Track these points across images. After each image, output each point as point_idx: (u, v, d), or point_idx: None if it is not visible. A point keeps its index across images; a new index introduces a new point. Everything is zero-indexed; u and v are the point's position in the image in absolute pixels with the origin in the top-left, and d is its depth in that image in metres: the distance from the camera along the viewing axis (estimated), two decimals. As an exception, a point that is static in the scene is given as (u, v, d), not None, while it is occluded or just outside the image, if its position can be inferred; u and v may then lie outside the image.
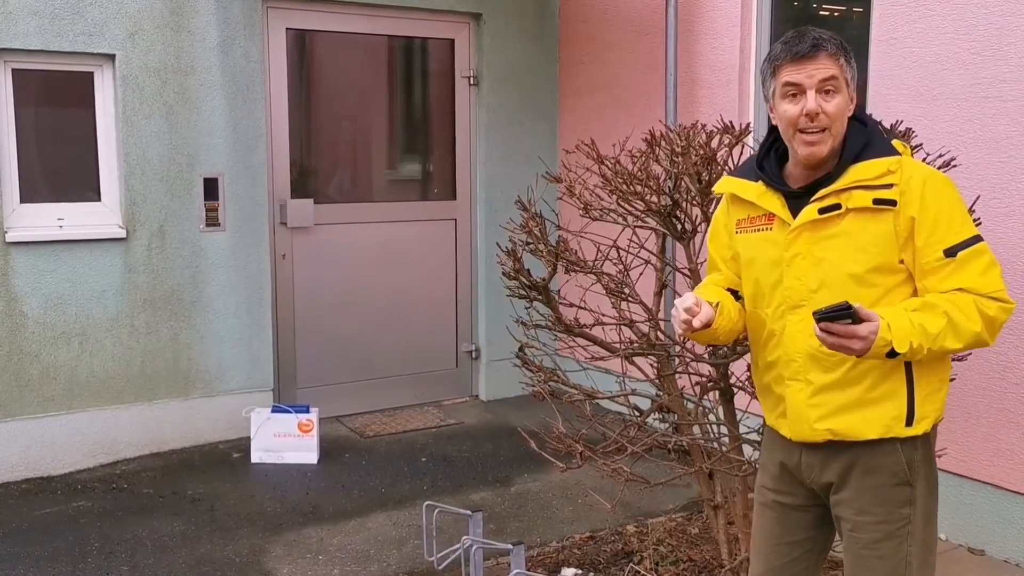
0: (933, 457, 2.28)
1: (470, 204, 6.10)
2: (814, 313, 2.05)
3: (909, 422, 2.18)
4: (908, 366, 2.17)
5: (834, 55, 2.16)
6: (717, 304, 2.28)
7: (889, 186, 2.13)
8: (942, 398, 2.25)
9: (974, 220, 3.22)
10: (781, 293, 2.25)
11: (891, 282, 2.16)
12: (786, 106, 2.17)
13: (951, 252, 2.11)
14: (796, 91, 2.16)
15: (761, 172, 2.29)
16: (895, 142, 2.23)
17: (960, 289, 2.11)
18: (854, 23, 4.55)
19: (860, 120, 2.24)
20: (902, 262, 2.15)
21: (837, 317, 2.03)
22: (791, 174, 2.27)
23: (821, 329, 2.04)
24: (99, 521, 4.29)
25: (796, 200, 2.22)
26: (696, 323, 2.19)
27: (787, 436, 2.31)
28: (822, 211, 2.17)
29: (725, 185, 2.39)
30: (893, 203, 2.12)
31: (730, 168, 3.27)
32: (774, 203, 2.26)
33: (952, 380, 3.36)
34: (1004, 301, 2.13)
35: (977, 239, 2.14)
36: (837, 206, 2.16)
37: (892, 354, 2.06)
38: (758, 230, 2.29)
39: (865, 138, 2.20)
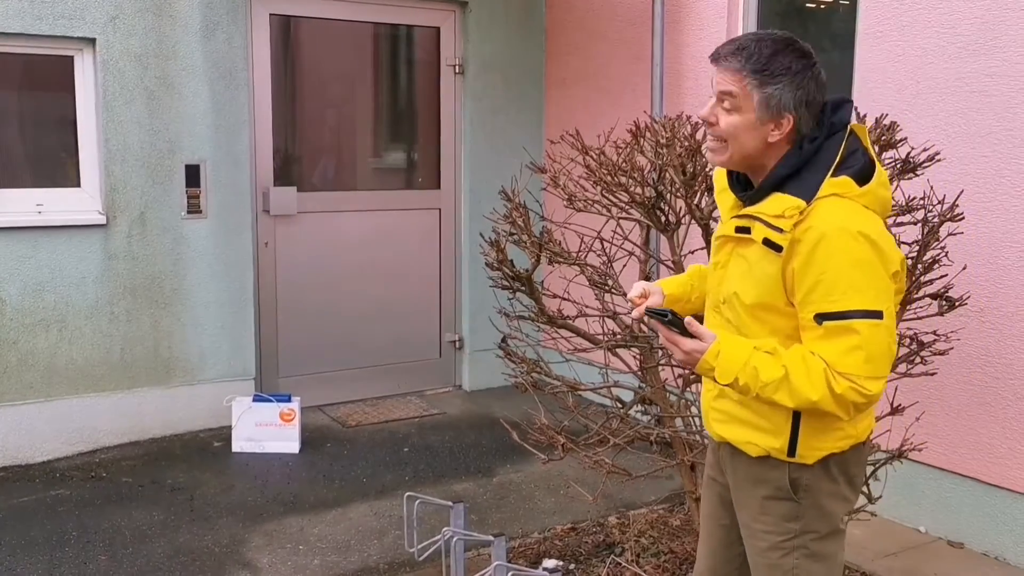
0: (835, 477, 2.14)
1: (455, 193, 6.07)
2: (646, 308, 2.06)
3: (791, 454, 2.10)
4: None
5: (737, 72, 2.00)
6: (668, 295, 2.32)
7: (780, 230, 1.96)
8: (840, 435, 2.11)
9: (957, 215, 3.24)
10: (708, 291, 2.27)
11: (781, 323, 2.05)
12: None
13: (820, 318, 1.96)
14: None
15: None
16: (840, 180, 1.99)
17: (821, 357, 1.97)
18: (841, 15, 4.55)
19: (801, 144, 2.03)
20: (792, 305, 2.02)
21: (660, 319, 2.00)
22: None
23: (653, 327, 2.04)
24: (77, 510, 4.25)
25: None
26: (635, 313, 2.21)
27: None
28: (738, 230, 2.10)
29: (717, 173, 2.33)
30: (779, 249, 1.97)
31: (715, 160, 3.25)
32: (726, 203, 2.21)
33: (933, 375, 3.40)
34: (856, 385, 1.94)
35: (856, 314, 1.93)
36: (747, 230, 2.06)
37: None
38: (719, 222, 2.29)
39: (793, 168, 2.01)
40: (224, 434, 5.14)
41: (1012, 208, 3.70)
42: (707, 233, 3.33)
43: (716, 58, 2.05)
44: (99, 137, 4.91)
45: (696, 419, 3.48)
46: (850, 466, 2.18)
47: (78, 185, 4.96)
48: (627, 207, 3.45)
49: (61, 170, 4.95)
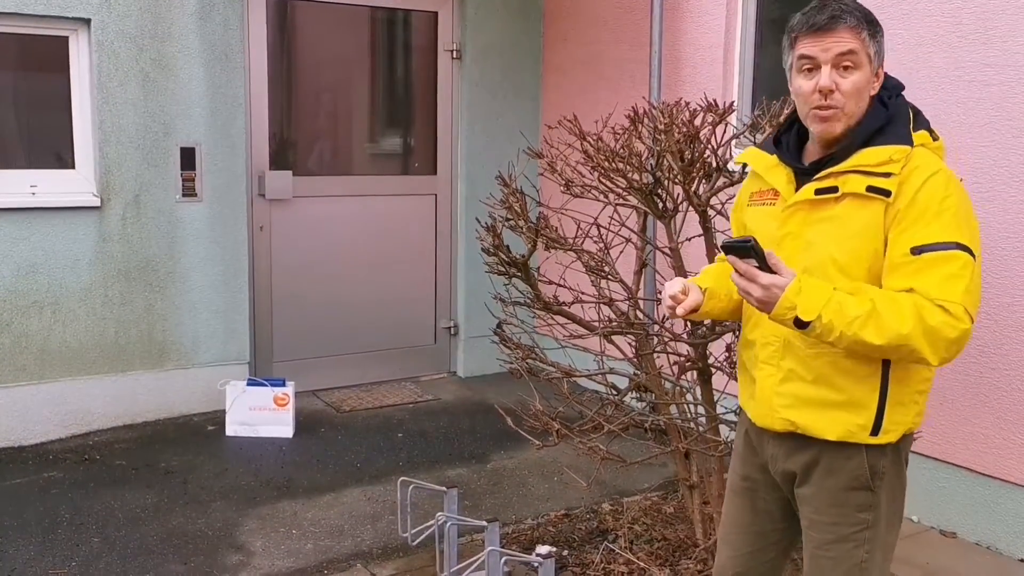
0: (903, 463, 2.17)
1: (451, 179, 6.05)
2: (722, 242, 2.00)
3: (875, 432, 2.07)
4: (885, 376, 2.05)
5: (855, 28, 2.03)
6: (706, 290, 2.26)
7: (888, 175, 1.99)
8: (917, 410, 2.13)
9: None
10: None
11: (875, 277, 2.03)
12: (800, 81, 2.08)
13: (917, 250, 1.95)
14: (811, 65, 2.05)
15: (776, 146, 2.21)
16: (920, 134, 2.07)
17: (911, 290, 1.94)
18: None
19: (883, 102, 2.10)
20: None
21: (740, 251, 1.95)
22: (809, 150, 2.18)
23: (731, 262, 1.99)
24: (70, 492, 4.24)
25: (806, 178, 2.12)
26: (679, 311, 2.18)
27: (753, 420, 2.26)
28: (819, 192, 2.07)
29: (745, 155, 2.31)
30: (887, 193, 1.98)
31: (712, 147, 3.25)
32: (780, 178, 2.17)
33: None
34: (953, 316, 1.91)
35: (955, 246, 1.95)
36: (834, 189, 2.05)
37: (801, 324, 1.94)
38: (764, 204, 2.22)
39: (882, 122, 2.07)
40: (218, 418, 5.13)
41: (1010, 199, 3.70)
42: (705, 220, 3.32)
43: (825, 23, 2.05)
44: (94, 119, 4.87)
45: (691, 406, 3.48)
46: (908, 450, 2.20)
47: (72, 167, 4.93)
48: (624, 193, 3.44)
49: (55, 151, 4.92)
